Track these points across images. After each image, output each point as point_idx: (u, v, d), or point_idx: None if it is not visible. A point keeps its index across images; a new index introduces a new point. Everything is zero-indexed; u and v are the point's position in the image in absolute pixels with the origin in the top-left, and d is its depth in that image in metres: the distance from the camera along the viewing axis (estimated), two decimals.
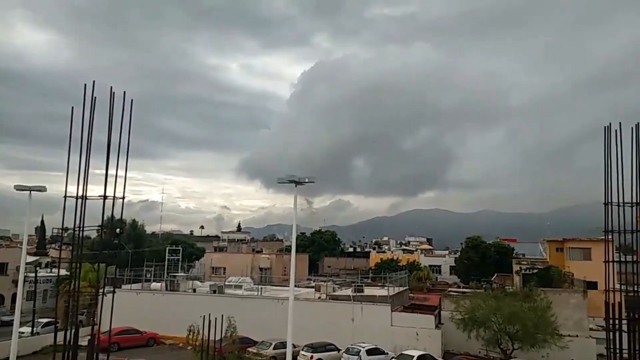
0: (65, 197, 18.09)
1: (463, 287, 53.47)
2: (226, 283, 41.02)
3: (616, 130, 18.72)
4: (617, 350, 18.63)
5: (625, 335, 19.11)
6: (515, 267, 50.41)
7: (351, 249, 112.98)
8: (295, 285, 34.03)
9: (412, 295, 41.60)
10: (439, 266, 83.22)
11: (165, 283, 39.75)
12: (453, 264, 79.18)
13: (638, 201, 18.12)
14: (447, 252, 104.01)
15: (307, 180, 24.76)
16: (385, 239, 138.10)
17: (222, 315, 24.43)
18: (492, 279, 56.49)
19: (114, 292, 21.08)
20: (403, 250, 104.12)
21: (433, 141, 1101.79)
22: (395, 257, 79.69)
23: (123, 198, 18.01)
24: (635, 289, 19.04)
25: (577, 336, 31.70)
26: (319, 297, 36.45)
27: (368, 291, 36.62)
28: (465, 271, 69.56)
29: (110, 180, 17.84)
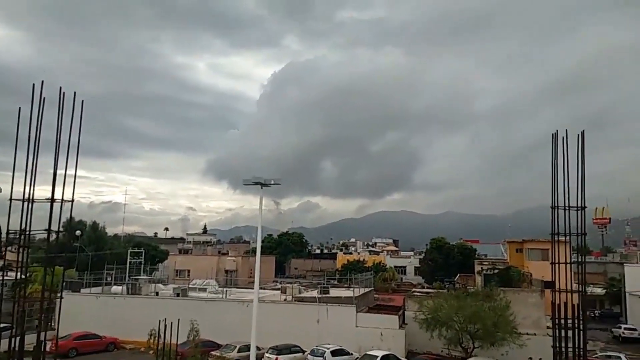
0: (10, 199, 17.55)
1: (427, 288, 54.40)
2: (190, 286, 40.39)
3: (563, 138, 19.51)
4: (563, 349, 19.32)
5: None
6: (477, 268, 51.68)
7: (318, 251, 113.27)
8: (261, 288, 33.97)
9: (377, 296, 42.00)
10: (404, 267, 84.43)
11: (127, 286, 38.83)
12: (418, 265, 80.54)
13: (583, 205, 18.91)
14: (412, 253, 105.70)
15: (273, 182, 24.73)
16: (353, 240, 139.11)
17: (185, 319, 24.09)
18: (455, 279, 57.75)
19: (61, 297, 20.35)
20: (369, 251, 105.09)
21: (400, 144, 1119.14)
22: (361, 259, 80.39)
23: (72, 201, 17.50)
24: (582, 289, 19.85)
25: (535, 334, 32.65)
26: (285, 299, 36.34)
27: (334, 292, 36.76)
28: (430, 272, 70.87)
29: (66, 181, 17.36)
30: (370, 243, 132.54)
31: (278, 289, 41.39)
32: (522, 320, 32.45)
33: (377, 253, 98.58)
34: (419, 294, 42.26)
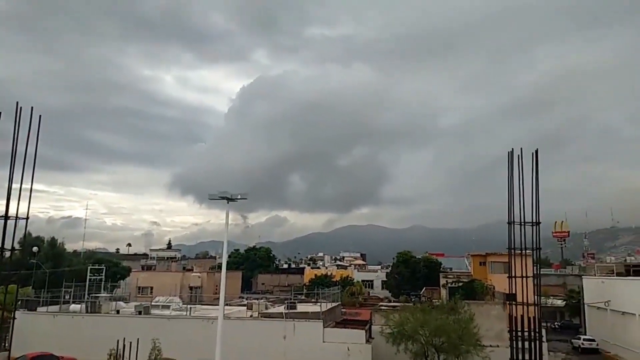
0: None
1: (394, 301, 54.73)
2: (153, 303, 39.32)
3: (518, 156, 20.23)
4: None
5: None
6: (443, 281, 52.43)
7: (286, 266, 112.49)
8: (226, 304, 33.46)
9: (344, 310, 41.90)
10: (372, 281, 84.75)
11: (86, 304, 37.46)
12: (385, 279, 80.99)
13: (538, 221, 19.58)
14: (379, 267, 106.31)
15: (239, 197, 24.55)
16: (321, 254, 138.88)
17: (148, 338, 23.43)
18: (421, 293, 58.34)
19: (13, 316, 19.51)
20: (337, 265, 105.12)
21: (368, 159, 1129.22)
22: (329, 273, 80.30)
23: (27, 218, 16.92)
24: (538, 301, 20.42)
25: (497, 346, 33.20)
26: (251, 316, 35.81)
27: (301, 308, 36.43)
28: (396, 285, 71.40)
29: (22, 195, 16.71)
30: (338, 257, 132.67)
31: (244, 305, 40.76)
32: (486, 332, 32.97)
33: (345, 267, 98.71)
34: (385, 307, 42.42)
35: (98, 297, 39.35)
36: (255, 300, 40.51)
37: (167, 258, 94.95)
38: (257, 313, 36.11)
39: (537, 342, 19.57)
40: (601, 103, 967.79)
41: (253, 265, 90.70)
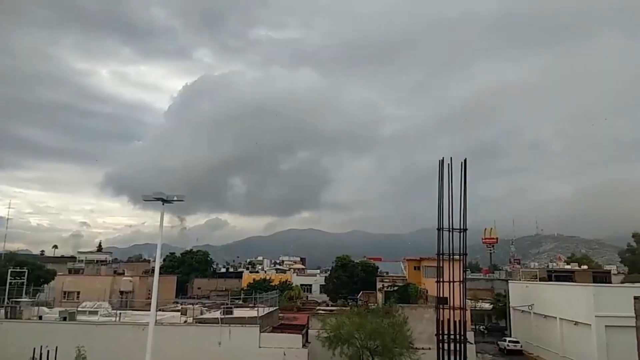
0: None
1: (331, 305, 55.19)
2: (79, 309, 37.28)
3: (448, 165, 21.11)
4: None
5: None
6: (379, 285, 53.51)
7: (224, 270, 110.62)
8: (159, 310, 32.31)
9: (282, 315, 41.76)
10: (310, 285, 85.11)
11: (5, 310, 34.99)
12: (323, 283, 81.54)
13: (465, 227, 20.53)
14: (318, 271, 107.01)
15: (175, 199, 23.84)
16: (260, 258, 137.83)
17: (73, 345, 22.19)
18: (358, 297, 59.18)
19: None
20: (276, 270, 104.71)
21: (311, 164, 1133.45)
22: (268, 277, 79.72)
23: None
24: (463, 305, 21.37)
25: (429, 349, 34.31)
26: (185, 321, 34.87)
27: (238, 313, 35.95)
28: (334, 289, 72.05)
29: None
30: (278, 261, 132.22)
31: (178, 311, 39.62)
32: (419, 335, 33.98)
33: (284, 271, 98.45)
34: (323, 312, 42.69)
35: (19, 302, 36.89)
36: (190, 306, 39.50)
37: (97, 261, 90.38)
38: (191, 318, 35.23)
39: (462, 344, 20.37)
40: (531, 118, 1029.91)
41: (189, 269, 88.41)
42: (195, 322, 34.16)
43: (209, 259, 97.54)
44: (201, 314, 36.91)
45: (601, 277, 59.53)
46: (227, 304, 37.89)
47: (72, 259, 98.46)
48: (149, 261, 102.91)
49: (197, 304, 45.74)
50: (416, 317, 35.90)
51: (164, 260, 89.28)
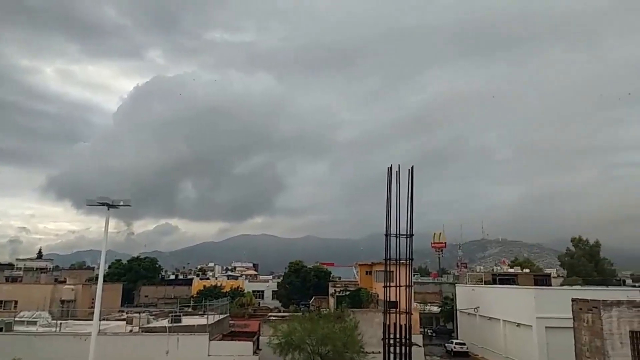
0: None
1: (283, 311, 54.87)
2: (16, 319, 35.23)
3: (396, 172, 21.59)
4: None
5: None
6: (331, 290, 53.72)
7: (173, 277, 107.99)
8: (103, 319, 31.07)
9: (232, 322, 41.09)
10: (263, 291, 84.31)
11: None
12: (276, 289, 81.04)
13: (411, 233, 21.05)
14: (271, 277, 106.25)
15: (122, 204, 23.08)
16: (211, 265, 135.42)
17: (9, 357, 20.98)
18: (310, 302, 59.22)
19: None
20: (228, 276, 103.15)
21: (265, 168, 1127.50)
22: (219, 284, 78.35)
23: None
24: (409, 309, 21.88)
25: (379, 352, 34.74)
26: (130, 330, 33.63)
27: (187, 321, 35.03)
28: (287, 295, 71.79)
29: None
30: (230, 267, 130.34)
31: (123, 320, 38.19)
32: (369, 339, 34.34)
33: (236, 278, 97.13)
34: (274, 318, 42.37)
35: None
36: (137, 314, 38.15)
37: (37, 269, 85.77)
38: (137, 327, 34.04)
39: (408, 347, 20.80)
40: (479, 126, 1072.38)
41: (136, 277, 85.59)
42: (142, 331, 33.04)
43: (157, 265, 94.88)
44: (148, 322, 35.74)
45: (542, 280, 62.30)
46: (175, 312, 36.85)
47: (10, 266, 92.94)
48: (93, 268, 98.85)
49: (143, 312, 44.27)
50: (367, 322, 36.27)
51: (109, 267, 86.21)
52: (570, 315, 26.36)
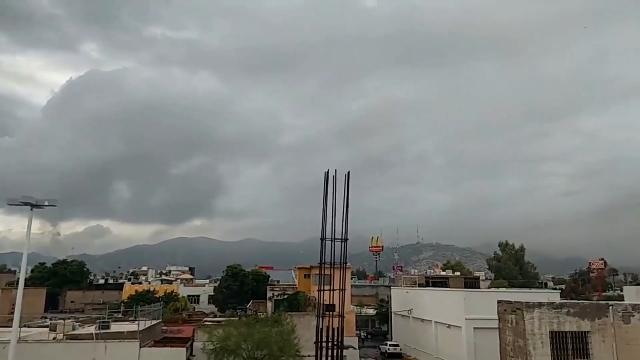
0: None
1: (220, 316, 53.85)
2: None
3: (333, 177, 21.94)
4: None
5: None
6: (269, 294, 53.32)
7: (102, 281, 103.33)
8: (24, 325, 29.10)
9: (165, 327, 39.84)
10: (198, 296, 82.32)
11: None
12: (212, 293, 79.42)
13: (346, 237, 21.46)
14: (207, 281, 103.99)
15: (47, 204, 21.87)
16: (144, 268, 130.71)
17: None
18: (248, 306, 58.49)
19: None
20: (162, 280, 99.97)
21: (205, 169, 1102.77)
22: (152, 288, 75.75)
23: None
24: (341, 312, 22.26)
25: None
26: (54, 338, 31.71)
27: (116, 327, 33.53)
28: (224, 300, 70.49)
29: None
30: (164, 272, 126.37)
31: (46, 326, 35.97)
32: (306, 342, 34.36)
33: (170, 282, 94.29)
34: (210, 323, 41.49)
35: None
36: (61, 320, 36.06)
37: None
38: (61, 335, 32.14)
39: (339, 350, 21.13)
40: (417, 133, 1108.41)
41: (62, 281, 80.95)
42: (66, 339, 31.25)
43: (85, 269, 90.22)
44: (73, 329, 33.83)
45: (471, 282, 65.32)
46: (103, 318, 35.16)
47: None
48: (14, 272, 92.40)
49: (69, 318, 41.93)
50: (304, 325, 36.30)
51: (32, 270, 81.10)
52: (496, 317, 27.77)
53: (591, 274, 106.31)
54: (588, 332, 25.16)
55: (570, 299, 50.66)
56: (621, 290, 51.80)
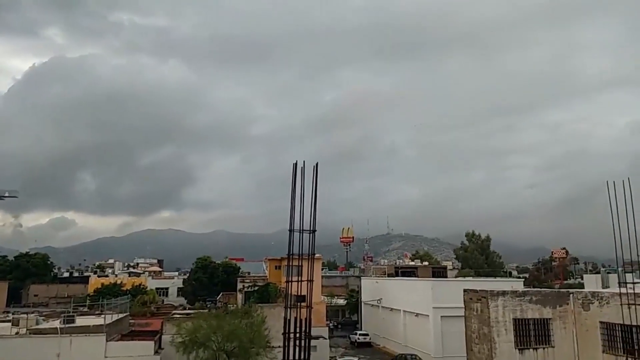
0: None
1: (189, 309, 53.40)
2: None
3: (301, 168, 21.92)
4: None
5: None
6: (240, 285, 53.19)
7: (67, 274, 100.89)
8: None
9: (133, 321, 39.27)
10: (167, 288, 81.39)
11: None
12: (182, 286, 78.66)
13: (314, 229, 21.61)
14: (177, 273, 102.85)
15: (7, 195, 21.19)
16: (111, 261, 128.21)
17: None
18: (218, 299, 58.20)
19: None
20: (129, 273, 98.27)
21: (175, 160, 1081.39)
22: (119, 281, 74.37)
23: None
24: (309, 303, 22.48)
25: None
26: (17, 333, 30.84)
27: (82, 321, 32.86)
28: (193, 292, 69.92)
29: None
30: (132, 264, 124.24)
31: (8, 321, 34.93)
32: (276, 333, 34.34)
33: (138, 275, 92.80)
34: (179, 316, 41.08)
35: None
36: (24, 315, 35.09)
37: None
38: (24, 329, 31.31)
39: (307, 340, 21.30)
40: (389, 126, 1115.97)
41: (25, 274, 78.70)
42: (29, 333, 30.45)
43: (49, 262, 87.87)
44: (37, 323, 32.98)
45: (439, 272, 66.55)
46: (68, 312, 34.38)
47: None
48: None
49: (32, 312, 40.85)
50: (274, 316, 36.28)
51: None
52: (463, 305, 28.47)
53: (553, 263, 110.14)
54: (550, 319, 26.05)
55: (534, 287, 52.37)
56: (582, 279, 53.89)
